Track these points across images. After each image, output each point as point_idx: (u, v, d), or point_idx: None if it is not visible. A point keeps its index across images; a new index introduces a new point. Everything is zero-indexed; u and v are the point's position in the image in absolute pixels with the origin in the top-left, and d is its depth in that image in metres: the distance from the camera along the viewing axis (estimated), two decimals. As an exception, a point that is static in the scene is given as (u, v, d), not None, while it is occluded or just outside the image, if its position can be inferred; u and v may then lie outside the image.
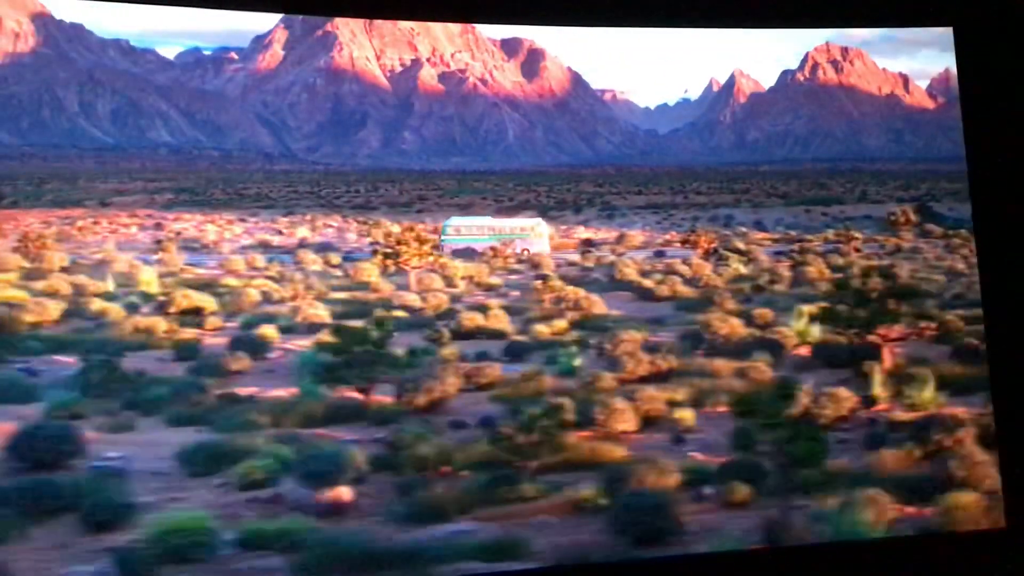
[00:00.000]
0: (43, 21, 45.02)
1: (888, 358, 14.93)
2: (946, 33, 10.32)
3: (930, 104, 45.83)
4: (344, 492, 10.84)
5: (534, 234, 26.84)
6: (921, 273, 22.32)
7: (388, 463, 11.76)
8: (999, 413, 9.76)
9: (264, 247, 26.03)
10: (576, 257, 25.38)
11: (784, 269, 22.79)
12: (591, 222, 31.50)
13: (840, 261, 23.48)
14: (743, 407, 10.94)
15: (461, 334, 17.82)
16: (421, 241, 21.62)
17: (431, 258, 21.54)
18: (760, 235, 28.78)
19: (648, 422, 13.42)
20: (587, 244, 27.59)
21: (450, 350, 16.37)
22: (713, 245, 25.13)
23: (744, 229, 29.59)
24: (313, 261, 23.39)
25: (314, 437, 12.58)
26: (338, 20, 46.76)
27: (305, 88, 48.17)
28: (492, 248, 24.69)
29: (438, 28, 50.21)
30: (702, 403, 14.18)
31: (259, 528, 9.86)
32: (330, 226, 29.57)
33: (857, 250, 24.92)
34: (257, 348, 16.32)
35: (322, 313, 18.33)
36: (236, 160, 44.02)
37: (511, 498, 11.00)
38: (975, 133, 9.68)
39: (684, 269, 22.85)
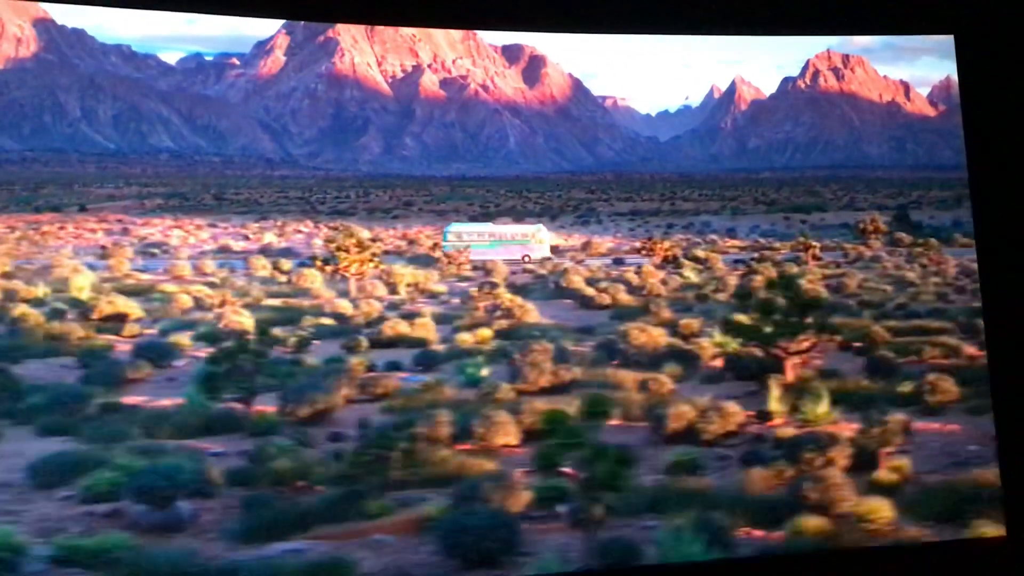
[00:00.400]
0: (45, 26, 45.28)
1: (790, 371, 14.54)
2: (947, 40, 10.06)
3: (931, 112, 45.17)
4: (185, 507, 10.61)
5: (535, 240, 26.70)
6: (871, 283, 21.88)
7: (245, 477, 11.53)
8: (999, 421, 9.48)
9: (224, 252, 25.90)
10: (532, 264, 25.05)
11: (735, 278, 22.37)
12: (565, 229, 31.17)
13: (795, 270, 23.04)
14: (549, 426, 10.60)
15: (381, 343, 17.59)
16: (362, 247, 21.34)
17: (371, 264, 21.25)
18: (730, 243, 28.37)
19: (531, 436, 13.10)
20: (551, 251, 27.25)
21: (359, 359, 16.13)
22: (671, 253, 24.73)
23: (714, 236, 29.21)
24: (262, 267, 23.20)
25: (181, 449, 12.36)
26: (339, 26, 46.76)
27: (307, 94, 48.17)
28: (445, 254, 24.47)
29: (439, 34, 50.03)
30: (595, 416, 13.85)
31: (77, 544, 9.65)
32: (300, 232, 29.41)
33: (816, 258, 24.46)
34: (164, 356, 16.15)
35: (245, 320, 18.11)
36: (237, 166, 44.11)
37: (357, 515, 10.72)
38: (976, 141, 9.44)
39: (633, 277, 22.48)
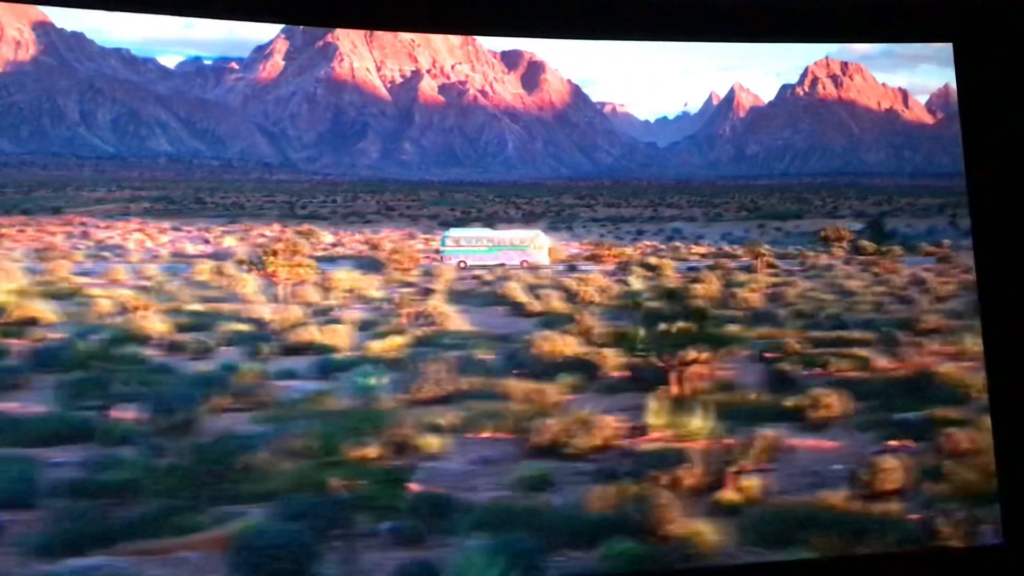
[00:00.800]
0: (44, 29, 45.60)
1: (675, 383, 14.07)
2: (946, 48, 9.72)
3: (929, 119, 44.50)
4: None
5: (533, 246, 26.46)
6: (813, 292, 21.35)
7: (74, 488, 11.20)
8: (997, 428, 9.13)
9: (178, 255, 25.75)
10: (480, 270, 24.73)
11: (677, 285, 21.91)
12: (534, 236, 30.82)
13: (743, 277, 22.63)
14: (318, 443, 10.19)
15: (289, 349, 17.26)
16: (293, 251, 21.06)
17: (302, 269, 20.96)
18: (695, 249, 27.97)
19: (395, 448, 12.70)
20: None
21: (253, 367, 15.81)
22: (620, 260, 24.40)
23: (679, 244, 28.80)
24: (201, 271, 22.95)
25: (23, 458, 12.05)
26: (339, 31, 46.74)
27: (305, 98, 48.22)
28: (392, 259, 24.24)
29: (438, 40, 50.04)
30: (470, 428, 13.48)
31: None
32: (264, 236, 29.19)
33: (771, 266, 24.00)
34: (56, 361, 15.87)
35: (159, 325, 17.86)
36: (236, 170, 44.15)
37: (172, 530, 10.36)
38: (975, 148, 9.13)
39: (573, 284, 22.04)
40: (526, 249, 26.28)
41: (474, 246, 26.17)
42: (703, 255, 27.16)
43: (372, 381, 15.14)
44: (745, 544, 10.14)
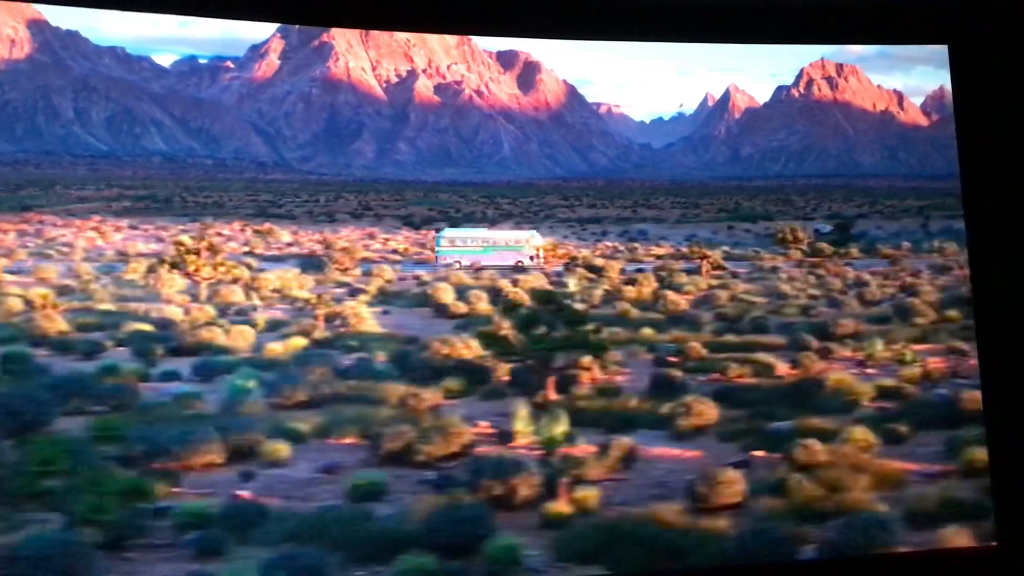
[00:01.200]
0: (39, 27, 45.56)
1: (551, 389, 13.58)
2: (941, 50, 9.47)
3: (924, 121, 43.67)
4: None
5: (529, 246, 26.13)
6: (746, 295, 20.79)
7: None
8: (991, 430, 8.90)
9: (121, 254, 25.49)
10: (421, 270, 24.36)
11: (609, 288, 21.42)
12: (499, 236, 30.32)
13: (684, 279, 22.09)
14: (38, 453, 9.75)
15: (181, 350, 16.93)
16: (214, 251, 20.73)
17: (222, 268, 20.61)
18: (654, 250, 27.45)
19: (239, 454, 12.32)
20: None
21: (133, 368, 15.50)
22: (564, 261, 23.94)
23: (636, 244, 28.27)
24: (133, 270, 22.65)
25: None
26: (334, 30, 46.48)
27: (301, 98, 47.98)
28: (332, 257, 23.90)
29: (434, 40, 49.65)
30: (330, 433, 13.12)
31: None
32: (220, 235, 28.90)
33: (720, 267, 23.40)
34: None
35: (59, 324, 17.59)
36: (230, 169, 44.02)
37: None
38: (970, 151, 8.93)
39: (505, 285, 21.60)
40: (521, 249, 25.94)
41: (469, 246, 25.89)
42: (658, 256, 26.62)
43: (247, 384, 14.81)
44: (557, 560, 9.68)
